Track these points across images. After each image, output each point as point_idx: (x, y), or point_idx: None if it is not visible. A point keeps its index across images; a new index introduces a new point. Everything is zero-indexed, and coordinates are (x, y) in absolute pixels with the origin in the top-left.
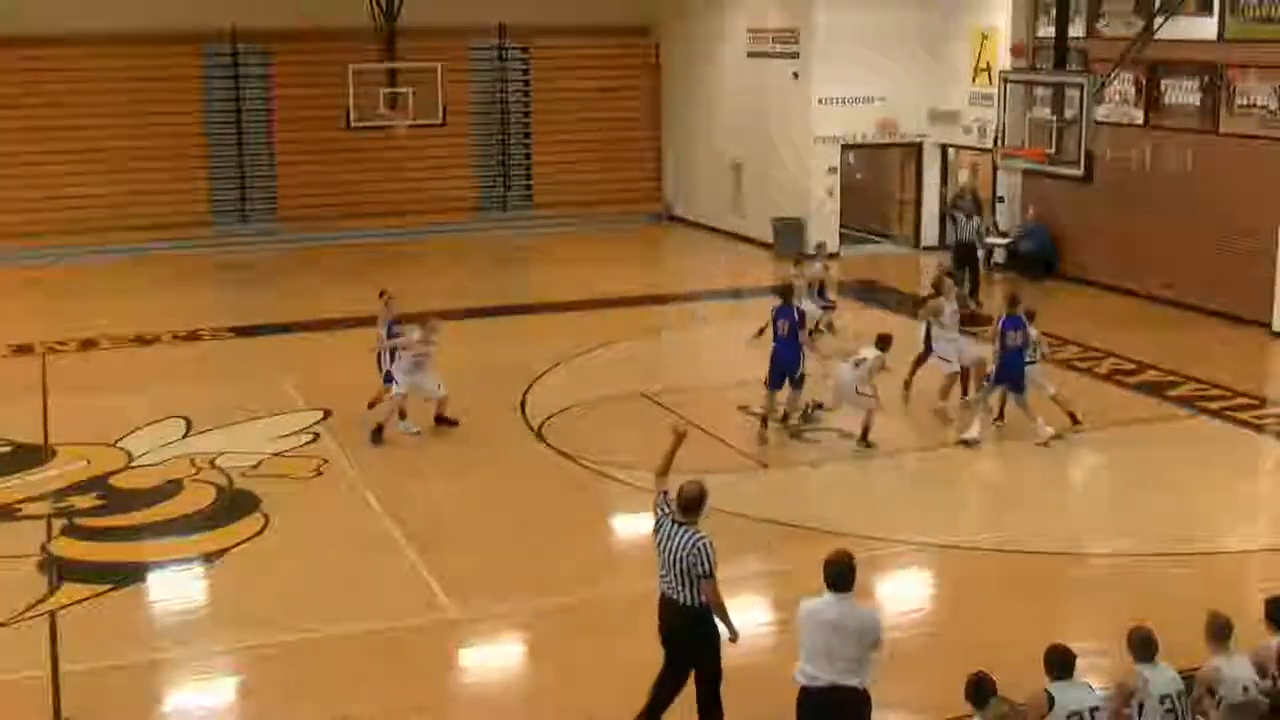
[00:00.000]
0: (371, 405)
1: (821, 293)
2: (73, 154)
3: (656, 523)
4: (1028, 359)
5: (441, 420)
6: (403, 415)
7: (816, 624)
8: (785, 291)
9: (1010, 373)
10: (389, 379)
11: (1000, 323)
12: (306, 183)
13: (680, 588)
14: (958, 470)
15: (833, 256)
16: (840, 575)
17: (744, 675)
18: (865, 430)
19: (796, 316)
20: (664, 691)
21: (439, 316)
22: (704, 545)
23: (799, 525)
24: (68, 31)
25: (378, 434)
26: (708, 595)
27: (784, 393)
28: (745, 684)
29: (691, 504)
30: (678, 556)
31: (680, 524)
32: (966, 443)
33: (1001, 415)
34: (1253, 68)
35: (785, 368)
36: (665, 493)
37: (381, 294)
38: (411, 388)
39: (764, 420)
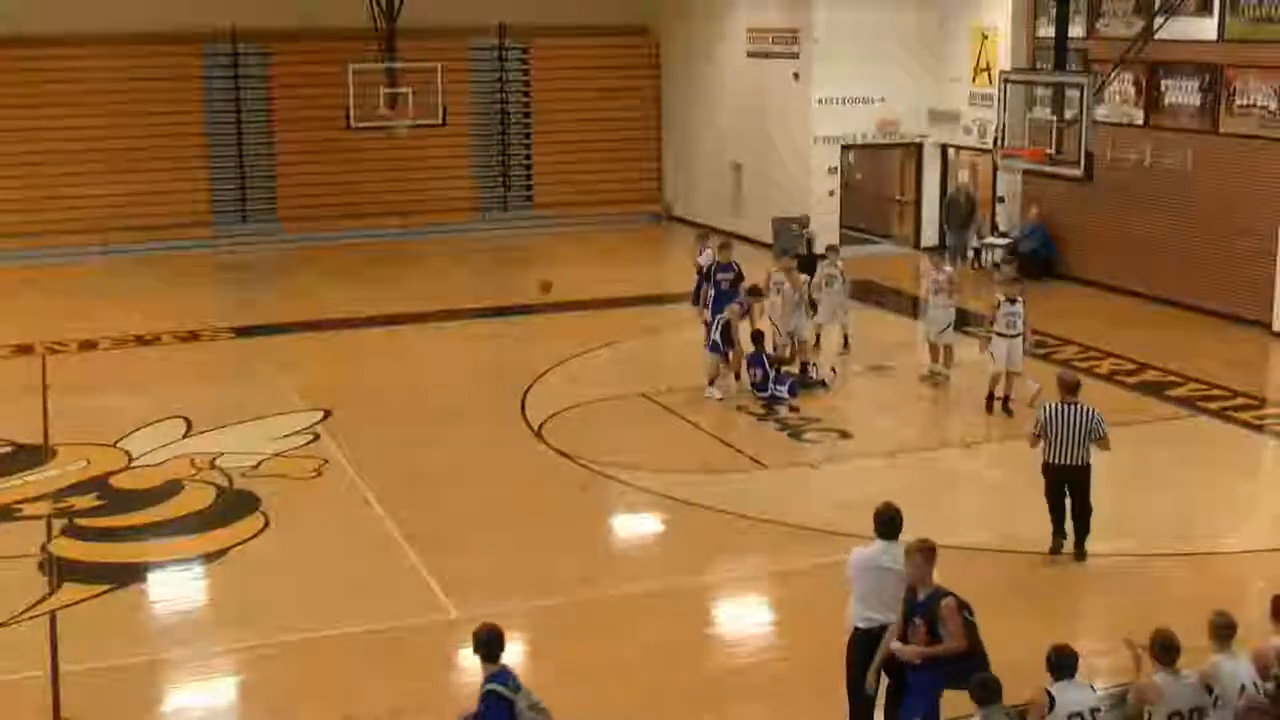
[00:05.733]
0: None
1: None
2: (73, 154)
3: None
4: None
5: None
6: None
7: (867, 569)
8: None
9: None
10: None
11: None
12: (306, 183)
13: (1079, 450)
14: (958, 470)
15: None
16: (888, 524)
17: (745, 677)
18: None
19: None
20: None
21: None
22: (1099, 413)
23: (799, 525)
24: (68, 31)
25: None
26: (1105, 445)
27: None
28: (747, 686)
29: (1072, 386)
30: (1077, 425)
31: (1069, 404)
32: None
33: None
34: (1253, 68)
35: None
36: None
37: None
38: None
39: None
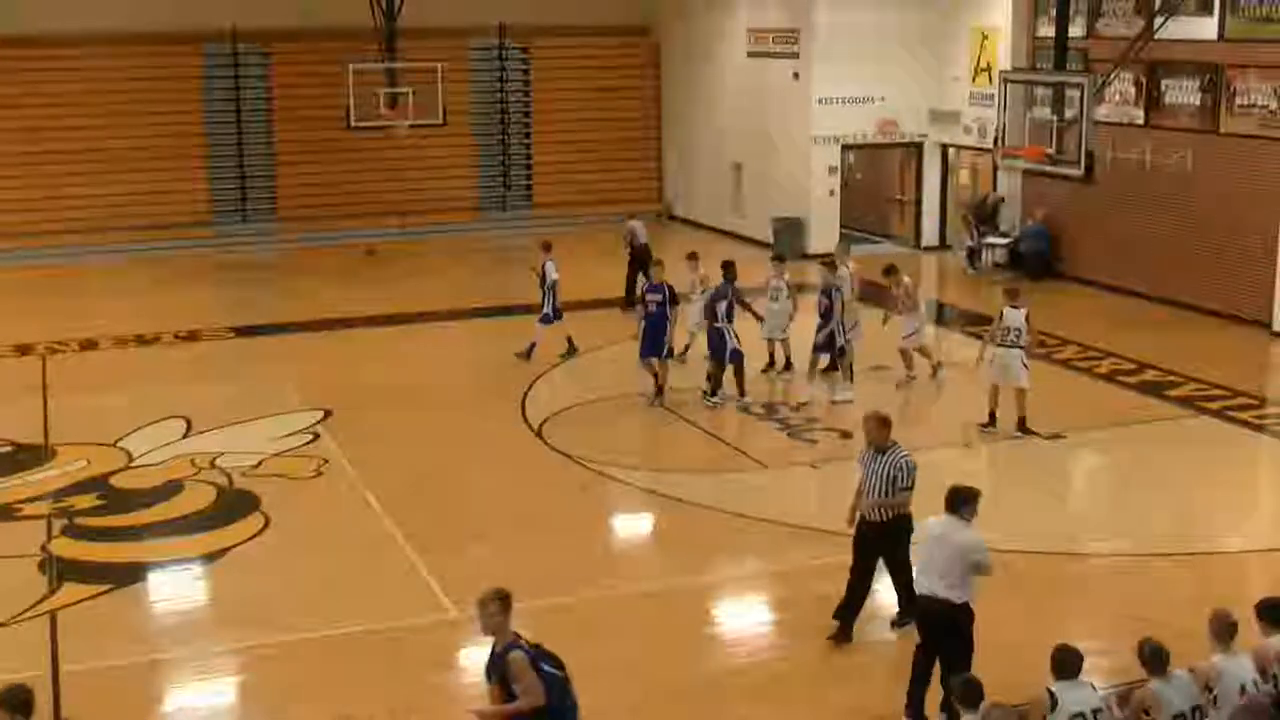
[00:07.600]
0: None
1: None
2: (73, 154)
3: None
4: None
5: None
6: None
7: (927, 538)
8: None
9: None
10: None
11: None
12: (306, 183)
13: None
14: (957, 470)
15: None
16: (955, 498)
17: (745, 677)
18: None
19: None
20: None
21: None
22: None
23: (799, 525)
24: (68, 31)
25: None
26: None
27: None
28: (747, 686)
29: (885, 422)
30: (887, 475)
31: (881, 447)
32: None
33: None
34: (1253, 68)
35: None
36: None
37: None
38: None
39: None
